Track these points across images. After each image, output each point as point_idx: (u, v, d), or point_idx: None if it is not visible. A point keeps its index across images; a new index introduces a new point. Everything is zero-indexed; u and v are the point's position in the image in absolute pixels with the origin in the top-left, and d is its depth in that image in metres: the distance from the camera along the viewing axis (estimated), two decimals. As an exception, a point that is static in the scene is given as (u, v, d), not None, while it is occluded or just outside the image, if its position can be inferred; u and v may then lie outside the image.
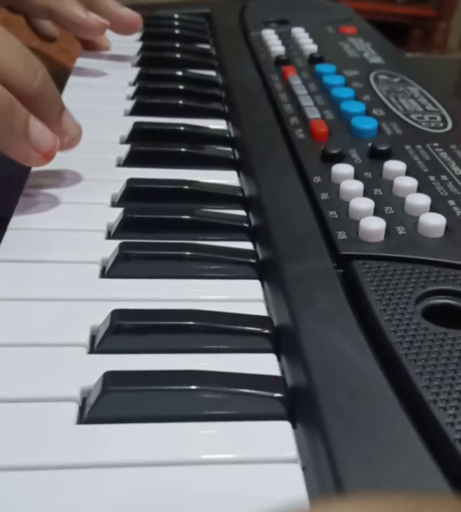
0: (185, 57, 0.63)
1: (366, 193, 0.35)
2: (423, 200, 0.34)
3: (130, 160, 0.43)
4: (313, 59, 0.56)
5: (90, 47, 0.62)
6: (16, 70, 0.34)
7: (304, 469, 0.23)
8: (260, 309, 0.31)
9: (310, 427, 0.23)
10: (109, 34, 0.69)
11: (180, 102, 0.52)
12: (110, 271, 0.33)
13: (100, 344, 0.28)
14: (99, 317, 0.29)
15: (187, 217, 0.37)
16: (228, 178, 0.43)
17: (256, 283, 0.33)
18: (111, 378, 0.25)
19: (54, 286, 0.31)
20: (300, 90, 0.49)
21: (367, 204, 0.34)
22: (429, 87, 0.51)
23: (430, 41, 2.19)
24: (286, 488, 0.22)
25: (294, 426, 0.25)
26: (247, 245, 0.36)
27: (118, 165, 0.43)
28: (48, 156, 0.36)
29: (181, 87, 0.55)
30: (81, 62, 0.60)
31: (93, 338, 0.29)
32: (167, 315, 0.29)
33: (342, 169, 0.37)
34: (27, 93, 0.35)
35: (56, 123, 0.37)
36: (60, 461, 0.23)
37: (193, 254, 0.34)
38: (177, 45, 0.65)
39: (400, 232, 0.32)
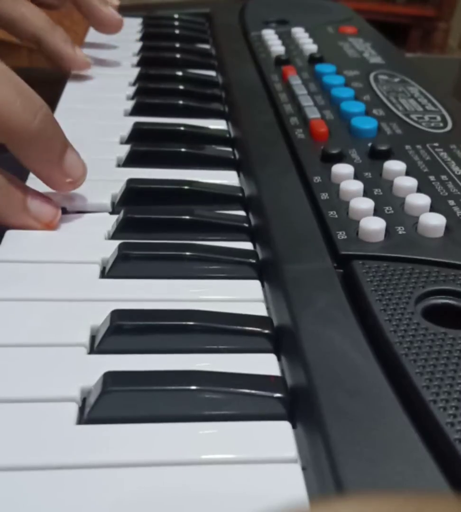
0: (185, 57, 0.62)
1: (366, 193, 0.36)
2: (423, 200, 0.34)
3: (130, 160, 0.43)
4: (313, 59, 0.56)
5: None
6: (14, 110, 0.33)
7: (304, 469, 0.23)
8: (260, 309, 0.31)
9: (310, 427, 0.23)
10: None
11: (180, 102, 0.52)
12: (110, 271, 0.33)
13: (100, 344, 0.28)
14: (99, 317, 0.29)
15: (187, 217, 0.37)
16: (228, 178, 0.43)
17: (256, 283, 0.33)
18: (111, 378, 0.25)
19: (54, 286, 0.31)
20: (300, 90, 0.49)
21: (367, 204, 0.34)
22: (429, 87, 0.51)
23: (430, 41, 2.19)
24: (286, 488, 0.22)
25: (294, 426, 0.25)
26: (247, 245, 0.36)
27: (118, 165, 0.43)
28: (50, 226, 0.36)
29: (181, 87, 0.55)
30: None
31: (93, 338, 0.29)
32: (167, 315, 0.29)
33: (342, 169, 0.37)
34: (25, 134, 0.33)
35: (57, 164, 0.35)
36: (60, 461, 0.23)
37: (193, 254, 0.34)
38: (177, 45, 0.65)
39: (400, 232, 0.32)
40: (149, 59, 0.62)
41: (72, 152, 0.37)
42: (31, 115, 0.33)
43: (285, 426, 0.25)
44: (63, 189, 0.37)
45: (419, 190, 0.36)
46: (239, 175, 0.44)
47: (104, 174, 0.42)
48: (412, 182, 0.36)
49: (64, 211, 0.38)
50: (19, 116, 0.33)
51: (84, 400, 0.26)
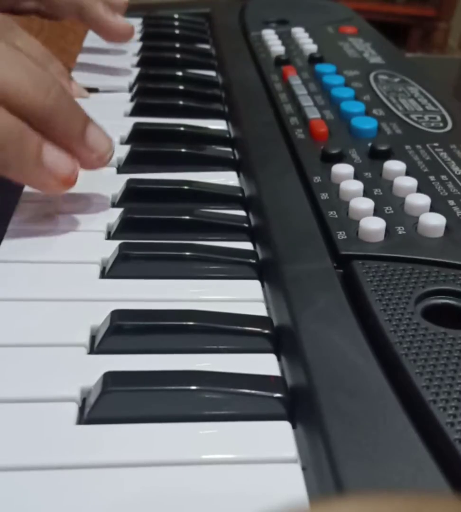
0: (185, 57, 0.62)
1: (366, 193, 0.36)
2: (423, 200, 0.34)
3: (130, 161, 0.43)
4: (313, 59, 0.56)
5: None
6: (24, 90, 0.32)
7: (304, 469, 0.23)
8: (260, 309, 0.31)
9: (310, 427, 0.23)
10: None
11: (180, 102, 0.52)
12: (110, 271, 0.33)
13: (100, 344, 0.28)
14: (99, 317, 0.29)
15: (187, 217, 0.37)
16: (228, 178, 0.43)
17: (256, 283, 0.33)
18: (111, 378, 0.25)
19: (54, 286, 0.31)
20: (300, 90, 0.49)
21: (367, 204, 0.34)
22: (429, 87, 0.51)
23: (430, 41, 2.19)
24: (286, 488, 0.22)
25: (294, 426, 0.25)
26: (247, 245, 0.36)
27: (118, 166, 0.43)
28: (67, 182, 0.34)
29: (181, 87, 0.55)
30: (81, 62, 0.60)
31: (93, 338, 0.29)
32: (167, 315, 0.29)
33: (342, 169, 0.37)
34: (39, 114, 0.32)
35: (79, 141, 0.34)
36: (60, 461, 0.23)
37: (193, 254, 0.34)
38: (177, 45, 0.65)
39: (400, 232, 0.32)
40: (149, 59, 0.62)
41: (95, 127, 0.36)
42: (43, 92, 0.32)
43: (285, 426, 0.25)
44: (92, 165, 0.36)
45: (419, 190, 0.36)
46: (239, 175, 0.44)
47: (104, 174, 0.42)
48: (412, 182, 0.36)
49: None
50: (30, 94, 0.32)
51: (84, 400, 0.26)
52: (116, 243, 0.34)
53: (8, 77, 0.32)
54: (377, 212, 0.34)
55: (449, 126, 0.45)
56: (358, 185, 0.35)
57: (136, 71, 0.58)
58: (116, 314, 0.29)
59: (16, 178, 0.33)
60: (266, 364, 0.28)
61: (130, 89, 0.56)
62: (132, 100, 0.53)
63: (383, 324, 0.26)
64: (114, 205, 0.39)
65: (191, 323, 0.29)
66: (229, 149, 0.47)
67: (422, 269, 0.30)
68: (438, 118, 0.46)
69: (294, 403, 0.25)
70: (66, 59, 0.62)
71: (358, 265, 0.30)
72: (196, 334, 0.29)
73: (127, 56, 0.63)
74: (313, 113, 0.45)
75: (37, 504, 0.21)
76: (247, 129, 0.45)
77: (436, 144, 0.41)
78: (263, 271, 0.34)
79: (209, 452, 0.24)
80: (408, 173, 0.37)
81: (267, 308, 0.31)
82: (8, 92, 0.32)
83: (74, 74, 0.57)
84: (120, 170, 0.43)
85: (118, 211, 0.37)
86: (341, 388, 0.24)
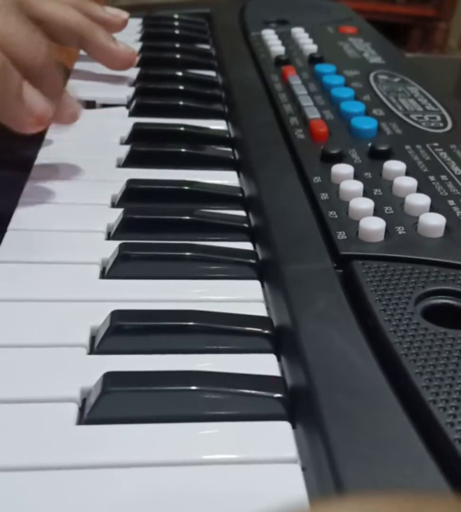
0: (185, 57, 0.62)
1: (366, 193, 0.35)
2: (423, 200, 0.34)
3: (130, 161, 0.43)
4: (313, 59, 0.56)
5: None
6: (20, 43, 0.35)
7: (304, 469, 0.23)
8: (260, 310, 0.31)
9: (310, 427, 0.23)
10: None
11: (180, 102, 0.52)
12: (110, 272, 0.33)
13: (100, 345, 0.28)
14: (99, 317, 0.29)
15: (187, 217, 0.37)
16: (228, 178, 0.43)
17: (256, 284, 0.33)
18: (111, 379, 0.25)
19: (54, 287, 0.31)
20: (300, 90, 0.49)
21: (367, 204, 0.34)
22: (429, 87, 0.51)
23: (430, 41, 2.19)
24: (286, 488, 0.22)
25: (294, 426, 0.25)
26: (247, 246, 0.36)
27: (118, 166, 0.43)
28: (41, 121, 0.36)
29: (181, 87, 0.55)
30: (81, 62, 0.60)
31: (93, 338, 0.29)
32: (167, 316, 0.29)
33: (342, 169, 0.37)
34: (30, 65, 0.35)
35: (56, 97, 0.38)
36: (60, 461, 0.23)
37: (193, 255, 0.34)
38: (177, 45, 0.65)
39: (400, 232, 0.32)
40: (149, 59, 0.62)
41: (66, 92, 0.39)
42: (36, 48, 0.36)
43: (285, 426, 0.25)
44: (66, 119, 0.39)
45: (419, 190, 0.36)
46: (239, 175, 0.44)
47: (104, 174, 0.42)
48: (412, 182, 0.36)
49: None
50: (26, 48, 0.35)
51: (84, 401, 0.26)
52: (116, 243, 0.34)
53: (6, 29, 0.35)
54: (377, 212, 0.34)
55: (449, 126, 0.45)
56: (358, 185, 0.35)
57: (136, 71, 0.58)
58: (116, 314, 0.29)
59: None
60: (266, 364, 0.28)
61: (129, 102, 0.56)
62: (132, 100, 0.53)
63: (383, 324, 0.26)
64: (114, 205, 0.39)
65: (191, 323, 0.29)
66: (229, 149, 0.47)
67: (422, 269, 0.30)
68: (438, 118, 0.46)
69: (294, 403, 0.25)
70: (66, 59, 0.62)
71: (358, 265, 0.30)
72: (196, 334, 0.29)
73: (127, 56, 0.63)
74: (313, 113, 0.45)
75: (37, 504, 0.21)
76: (247, 129, 0.45)
77: (436, 144, 0.41)
78: (263, 271, 0.34)
79: (209, 452, 0.24)
80: (408, 173, 0.37)
81: (267, 308, 0.31)
82: (7, 41, 0.34)
83: (74, 73, 0.57)
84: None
85: (118, 211, 0.37)
86: (341, 388, 0.24)
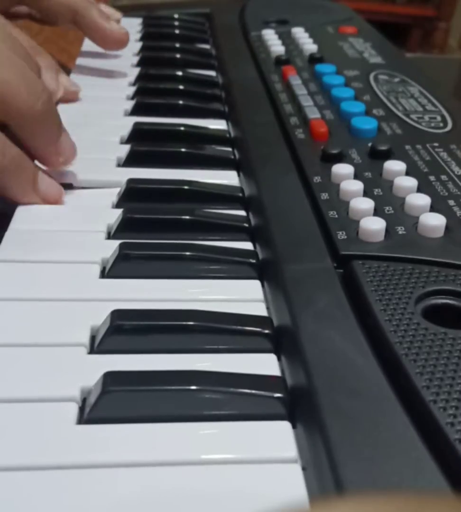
0: (185, 57, 0.62)
1: (366, 193, 0.35)
2: (423, 200, 0.34)
3: (130, 160, 0.43)
4: (313, 59, 0.56)
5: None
6: (19, 92, 0.35)
7: (304, 469, 0.23)
8: (260, 309, 0.31)
9: (310, 427, 0.23)
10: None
11: (180, 102, 0.52)
12: (110, 271, 0.33)
13: (100, 344, 0.28)
14: (99, 317, 0.29)
15: (187, 217, 0.37)
16: (228, 178, 0.43)
17: (256, 283, 0.33)
18: (111, 378, 0.25)
19: (54, 286, 0.31)
20: (300, 90, 0.49)
21: (367, 204, 0.34)
22: (429, 87, 0.51)
23: (430, 41, 2.19)
24: (286, 488, 0.22)
25: (294, 426, 0.25)
26: (247, 245, 0.36)
27: (118, 165, 0.43)
28: (55, 204, 0.38)
29: (181, 87, 0.55)
30: (81, 62, 0.60)
31: (93, 338, 0.29)
32: (167, 315, 0.29)
33: (342, 169, 0.37)
34: (28, 116, 0.35)
35: (53, 146, 0.38)
36: (60, 461, 0.23)
37: (193, 254, 0.34)
38: (177, 45, 0.65)
39: (400, 232, 0.32)
40: (149, 59, 0.62)
41: (67, 135, 0.39)
42: (35, 98, 0.35)
43: (285, 426, 0.25)
44: (57, 166, 0.39)
45: (419, 190, 0.36)
46: (239, 175, 0.44)
47: (104, 174, 0.42)
48: (412, 182, 0.36)
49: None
50: (24, 99, 0.35)
51: (84, 400, 0.25)
52: (116, 243, 0.34)
53: (5, 78, 0.34)
54: (377, 212, 0.34)
55: (449, 126, 0.45)
56: (358, 185, 0.35)
57: (136, 71, 0.58)
58: (116, 314, 0.29)
59: (14, 199, 0.37)
60: (266, 364, 0.28)
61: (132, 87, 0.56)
62: (132, 99, 0.53)
63: (383, 324, 0.26)
64: (114, 205, 0.39)
65: (191, 323, 0.29)
66: (229, 149, 0.47)
67: (422, 269, 0.30)
68: (438, 118, 0.46)
69: (294, 403, 0.25)
70: (66, 58, 0.62)
71: (358, 265, 0.30)
72: (196, 334, 0.29)
73: (127, 56, 0.63)
74: (313, 113, 0.45)
75: (37, 504, 0.21)
76: (247, 129, 0.45)
77: (436, 144, 0.41)
78: (263, 271, 0.34)
79: (209, 452, 0.24)
80: (408, 173, 0.37)
81: (267, 308, 0.31)
82: (6, 92, 0.34)
83: (74, 73, 0.57)
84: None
85: (118, 211, 0.37)
86: (341, 388, 0.24)
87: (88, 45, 0.64)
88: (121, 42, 0.57)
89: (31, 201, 0.37)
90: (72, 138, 0.39)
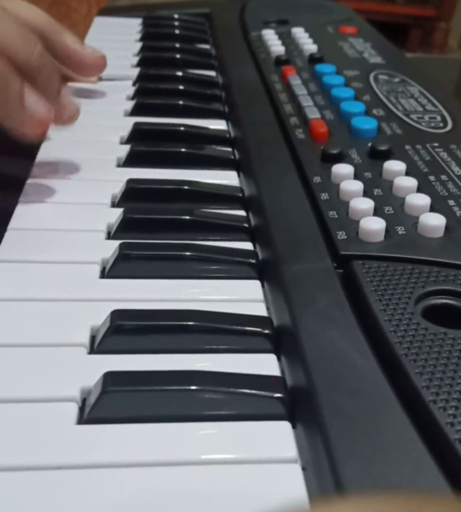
0: (185, 57, 0.63)
1: (366, 193, 0.35)
2: (423, 200, 0.34)
3: (130, 160, 0.43)
4: (313, 59, 0.56)
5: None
6: (15, 42, 0.35)
7: (304, 469, 0.23)
8: (260, 309, 0.31)
9: (310, 427, 0.23)
10: (109, 31, 0.69)
11: (180, 102, 0.52)
12: (110, 271, 0.33)
13: (100, 344, 0.28)
14: (99, 317, 0.29)
15: (187, 217, 0.37)
16: (228, 178, 0.43)
17: (256, 283, 0.33)
18: (111, 378, 0.25)
19: (54, 286, 0.31)
20: (300, 90, 0.49)
21: (367, 204, 0.34)
22: (429, 87, 0.51)
23: (430, 41, 2.19)
24: (286, 488, 0.22)
25: (294, 426, 0.25)
26: (247, 245, 0.36)
27: (118, 166, 0.43)
28: (43, 125, 0.37)
29: (181, 87, 0.55)
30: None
31: (93, 338, 0.29)
32: (167, 315, 0.29)
33: (342, 169, 0.37)
34: (26, 64, 0.36)
35: (54, 98, 0.38)
36: (60, 461, 0.23)
37: (193, 254, 0.34)
38: (177, 45, 0.65)
39: (400, 232, 0.32)
40: (149, 59, 0.62)
41: (66, 90, 0.40)
42: (31, 47, 0.36)
43: (285, 426, 0.25)
44: (62, 121, 0.39)
45: (419, 190, 0.36)
46: (239, 175, 0.44)
47: (104, 174, 0.42)
48: (412, 182, 0.36)
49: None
50: (21, 48, 0.36)
51: (84, 400, 0.26)
52: (116, 243, 0.34)
53: (1, 31, 0.35)
54: (377, 212, 0.34)
55: (449, 126, 0.45)
56: (358, 185, 0.35)
57: (136, 71, 0.58)
58: (116, 314, 0.29)
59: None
60: (266, 364, 0.28)
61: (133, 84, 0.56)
62: (132, 99, 0.53)
63: (383, 324, 0.26)
64: (114, 204, 0.39)
65: (191, 323, 0.29)
66: (229, 149, 0.47)
67: (422, 269, 0.30)
68: (438, 118, 0.46)
69: (294, 403, 0.25)
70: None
71: (358, 265, 0.30)
72: (196, 334, 0.29)
73: (127, 56, 0.63)
74: (313, 113, 0.45)
75: (37, 504, 0.21)
76: (247, 129, 0.45)
77: (436, 144, 0.41)
78: (263, 271, 0.34)
79: (209, 452, 0.24)
80: (408, 173, 0.37)
81: (267, 308, 0.31)
82: (2, 42, 0.35)
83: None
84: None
85: (118, 211, 0.37)
86: (341, 388, 0.24)
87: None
88: (98, 67, 0.53)
89: (16, 117, 0.36)
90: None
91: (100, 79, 0.55)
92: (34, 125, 0.37)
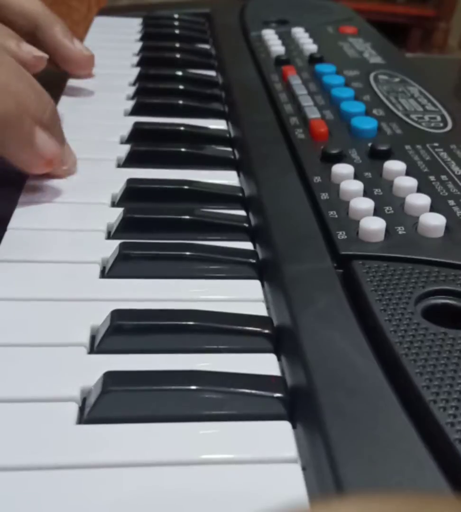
0: (185, 57, 0.62)
1: (366, 193, 0.35)
2: (423, 200, 0.34)
3: (130, 160, 0.43)
4: (313, 59, 0.56)
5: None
6: (30, 102, 0.36)
7: (304, 469, 0.23)
8: (260, 309, 0.31)
9: (310, 427, 0.23)
10: (109, 31, 0.69)
11: (180, 102, 0.52)
12: (110, 271, 0.33)
13: (100, 344, 0.28)
14: (99, 317, 0.29)
15: (187, 217, 0.37)
16: (228, 178, 0.43)
17: (256, 283, 0.33)
18: (111, 378, 0.25)
19: (54, 286, 0.31)
20: (300, 90, 0.49)
21: (367, 204, 0.34)
22: (429, 87, 0.51)
23: (430, 41, 2.19)
24: (286, 488, 0.22)
25: (294, 426, 0.25)
26: (247, 245, 0.36)
27: (118, 165, 0.43)
28: (51, 163, 0.38)
29: (181, 87, 0.55)
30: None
31: (93, 338, 0.29)
32: (167, 315, 0.29)
33: (342, 169, 0.37)
34: (39, 120, 0.36)
35: (61, 144, 0.39)
36: (60, 461, 0.23)
37: (193, 254, 0.34)
38: (177, 45, 0.65)
39: (400, 232, 0.32)
40: (149, 59, 0.62)
41: (68, 146, 0.41)
42: (44, 107, 0.37)
43: (285, 426, 0.25)
44: (60, 174, 0.40)
45: (419, 190, 0.36)
46: (239, 175, 0.44)
47: (104, 174, 0.42)
48: (412, 182, 0.36)
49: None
50: (35, 107, 0.36)
51: (84, 400, 0.25)
52: (116, 243, 0.34)
53: (18, 88, 0.36)
54: (377, 212, 0.34)
55: (449, 126, 0.45)
56: (358, 185, 0.35)
57: (136, 71, 0.58)
58: (116, 314, 0.29)
59: (8, 154, 0.36)
60: (266, 364, 0.28)
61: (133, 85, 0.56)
62: (132, 99, 0.53)
63: (383, 324, 0.26)
64: (114, 204, 0.39)
65: (191, 323, 0.29)
66: (229, 149, 0.47)
67: (422, 269, 0.30)
68: (438, 118, 0.46)
69: (294, 403, 0.25)
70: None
71: (358, 265, 0.30)
72: (196, 334, 0.29)
73: (127, 56, 0.63)
74: (313, 113, 0.45)
75: (37, 504, 0.21)
76: (247, 129, 0.45)
77: (436, 144, 0.41)
78: (263, 271, 0.34)
79: (209, 452, 0.24)
80: (408, 173, 0.37)
81: (267, 308, 0.31)
82: (19, 101, 0.35)
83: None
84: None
85: (118, 211, 0.37)
86: (341, 388, 0.24)
87: (88, 45, 0.64)
88: (85, 65, 0.52)
89: (26, 157, 0.37)
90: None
91: (93, 76, 0.55)
92: (43, 163, 0.38)
